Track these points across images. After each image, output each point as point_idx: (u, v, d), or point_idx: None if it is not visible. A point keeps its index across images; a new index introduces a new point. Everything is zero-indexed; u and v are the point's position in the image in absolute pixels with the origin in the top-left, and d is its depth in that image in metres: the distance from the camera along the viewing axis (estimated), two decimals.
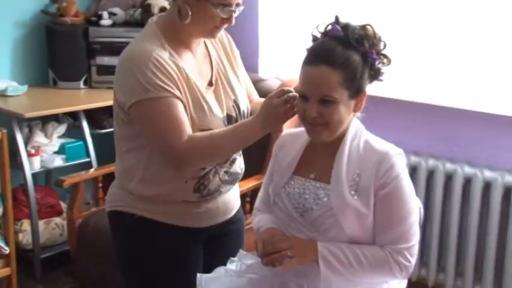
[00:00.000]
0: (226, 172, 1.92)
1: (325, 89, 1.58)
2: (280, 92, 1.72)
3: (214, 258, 1.84)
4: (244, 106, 1.95)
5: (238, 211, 2.05)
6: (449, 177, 2.89)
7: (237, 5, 1.80)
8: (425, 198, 2.93)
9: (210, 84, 1.89)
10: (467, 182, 2.84)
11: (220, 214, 1.96)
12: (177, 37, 1.83)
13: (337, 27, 1.61)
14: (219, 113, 1.86)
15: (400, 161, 1.63)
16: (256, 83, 3.14)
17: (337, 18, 1.63)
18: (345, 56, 1.58)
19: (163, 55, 1.76)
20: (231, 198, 2.01)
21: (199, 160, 1.79)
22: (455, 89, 2.84)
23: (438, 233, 2.94)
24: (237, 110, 1.91)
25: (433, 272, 2.98)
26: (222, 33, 1.98)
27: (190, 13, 1.76)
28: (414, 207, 1.66)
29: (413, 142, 2.98)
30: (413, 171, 2.91)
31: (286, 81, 3.09)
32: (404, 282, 1.74)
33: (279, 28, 3.26)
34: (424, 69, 2.89)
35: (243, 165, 2.02)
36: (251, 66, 3.24)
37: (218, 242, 1.96)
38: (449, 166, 2.88)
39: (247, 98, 1.99)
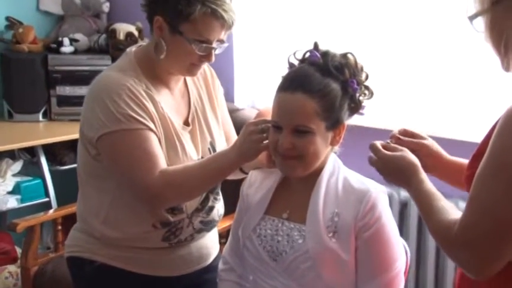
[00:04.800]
0: (201, 221, 1.90)
1: (299, 118, 1.56)
2: (260, 120, 1.73)
3: None
4: (221, 149, 1.93)
5: (216, 258, 2.01)
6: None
7: (220, 41, 1.79)
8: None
9: (187, 124, 1.89)
10: None
11: (194, 261, 1.93)
12: (154, 72, 1.83)
13: (316, 53, 1.62)
14: (194, 155, 1.85)
15: (382, 200, 1.62)
16: (232, 112, 3.10)
17: (316, 45, 1.64)
18: (323, 83, 1.58)
19: (138, 86, 1.77)
20: (207, 243, 1.98)
21: (174, 196, 1.78)
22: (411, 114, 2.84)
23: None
24: (212, 153, 1.91)
25: None
26: (205, 67, 1.98)
27: (165, 48, 1.77)
28: (400, 251, 1.64)
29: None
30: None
31: (263, 110, 3.06)
32: None
33: (255, 54, 3.26)
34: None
35: (222, 211, 2.00)
36: (226, 95, 3.18)
37: None
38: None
39: (225, 141, 1.98)
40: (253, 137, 1.69)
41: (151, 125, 1.75)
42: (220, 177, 1.81)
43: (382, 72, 2.83)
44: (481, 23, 1.25)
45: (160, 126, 1.78)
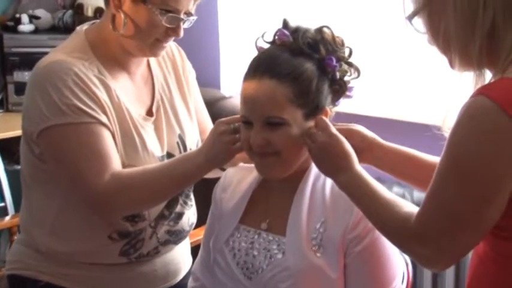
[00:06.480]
0: (168, 231, 1.88)
1: (270, 108, 1.53)
2: (232, 118, 1.70)
3: None
4: (193, 144, 1.92)
5: (187, 275, 1.99)
6: None
7: (187, 13, 1.77)
8: None
9: (150, 113, 1.86)
10: None
11: (160, 279, 1.92)
12: (110, 54, 1.81)
13: (284, 31, 1.59)
14: (157, 150, 1.83)
15: None
16: (218, 101, 3.13)
17: (285, 22, 1.61)
18: (294, 64, 1.55)
19: (88, 71, 1.74)
20: (175, 258, 1.96)
21: (127, 205, 1.75)
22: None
23: None
24: (182, 148, 1.89)
25: None
26: (173, 47, 1.96)
27: (125, 21, 1.73)
28: (398, 267, 1.61)
29: None
30: None
31: None
32: None
33: (242, 38, 3.25)
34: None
35: (193, 219, 1.98)
36: (211, 82, 3.22)
37: None
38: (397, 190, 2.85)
39: (198, 134, 1.96)
40: (224, 138, 1.66)
41: (103, 118, 1.71)
42: (186, 183, 1.79)
43: (377, 55, 2.88)
44: (420, 23, 1.36)
45: (114, 119, 1.75)
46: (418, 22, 1.36)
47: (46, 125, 1.69)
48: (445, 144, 1.30)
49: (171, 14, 1.72)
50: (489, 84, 1.30)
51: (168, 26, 1.73)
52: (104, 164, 1.69)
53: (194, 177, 1.74)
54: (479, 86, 1.33)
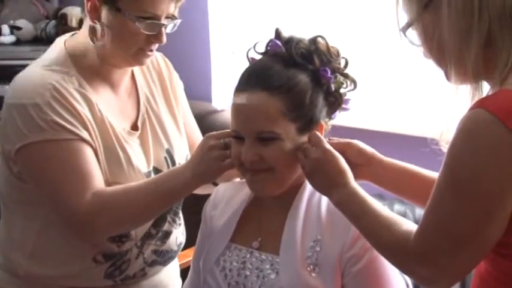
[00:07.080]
0: (155, 251, 1.87)
1: (261, 123, 1.53)
2: (222, 132, 1.68)
3: None
4: (182, 159, 1.91)
5: None
6: None
7: (170, 17, 1.75)
8: None
9: (135, 128, 1.85)
10: None
11: None
12: (92, 65, 1.80)
13: (276, 42, 1.58)
14: (143, 166, 1.82)
15: None
16: (209, 115, 3.13)
17: (278, 32, 1.61)
18: (286, 76, 1.55)
19: (68, 85, 1.73)
20: (164, 279, 1.95)
21: (110, 225, 1.74)
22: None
23: None
24: (170, 163, 1.88)
25: None
26: (159, 57, 1.95)
27: (103, 32, 1.73)
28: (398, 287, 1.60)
29: None
30: None
31: None
32: None
33: (235, 46, 3.28)
34: None
35: (182, 238, 1.97)
36: (202, 95, 3.23)
37: None
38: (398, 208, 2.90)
39: (187, 149, 1.95)
40: (213, 154, 1.64)
41: (84, 134, 1.70)
42: (172, 201, 1.78)
43: (374, 66, 2.93)
44: (415, 36, 1.37)
45: (97, 134, 1.73)
46: (413, 34, 1.37)
47: (24, 143, 1.68)
48: (443, 159, 1.30)
49: (150, 21, 1.70)
50: (487, 96, 1.31)
51: (148, 33, 1.72)
52: (86, 182, 1.68)
53: (180, 194, 1.73)
54: (476, 98, 1.34)
